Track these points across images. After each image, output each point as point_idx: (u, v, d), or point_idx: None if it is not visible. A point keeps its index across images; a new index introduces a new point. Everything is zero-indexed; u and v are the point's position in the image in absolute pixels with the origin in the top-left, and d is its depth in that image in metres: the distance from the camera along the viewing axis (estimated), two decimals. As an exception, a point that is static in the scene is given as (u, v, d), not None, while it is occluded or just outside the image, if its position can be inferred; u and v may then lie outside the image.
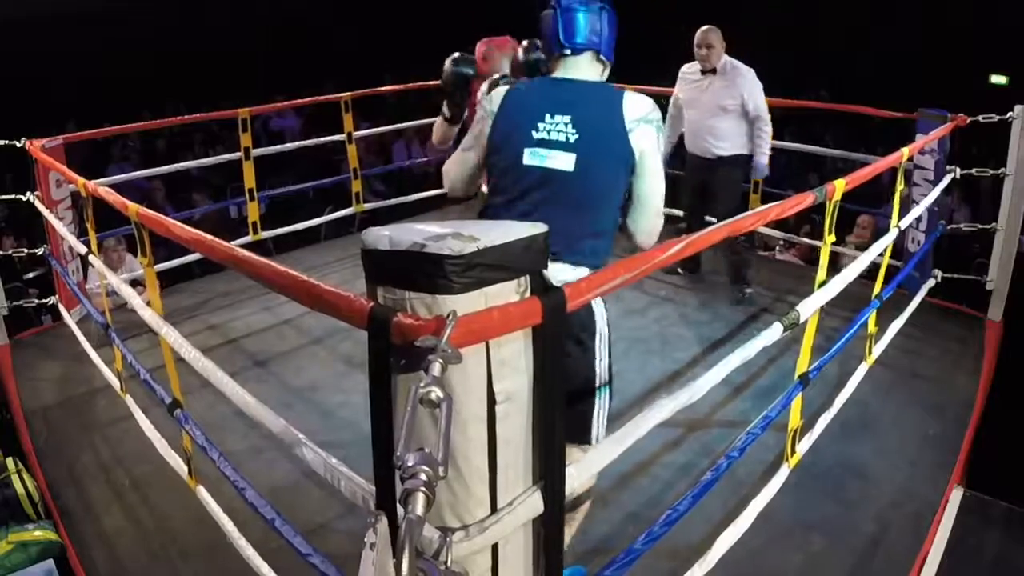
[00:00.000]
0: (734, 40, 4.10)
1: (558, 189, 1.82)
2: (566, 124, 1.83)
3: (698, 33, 4.10)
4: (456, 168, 2.04)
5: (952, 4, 8.32)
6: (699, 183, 4.30)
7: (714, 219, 3.83)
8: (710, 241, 1.80)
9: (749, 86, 4.02)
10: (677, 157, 4.46)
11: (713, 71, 4.09)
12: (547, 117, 1.84)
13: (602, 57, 1.95)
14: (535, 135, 1.84)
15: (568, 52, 1.92)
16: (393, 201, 5.80)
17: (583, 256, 1.86)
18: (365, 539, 0.79)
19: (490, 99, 1.96)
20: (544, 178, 1.83)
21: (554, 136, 1.83)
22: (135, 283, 4.12)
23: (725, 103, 4.07)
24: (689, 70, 4.24)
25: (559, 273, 1.77)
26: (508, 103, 1.92)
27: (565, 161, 1.81)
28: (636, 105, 1.87)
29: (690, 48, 4.15)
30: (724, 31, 4.12)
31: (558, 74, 1.95)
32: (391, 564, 0.75)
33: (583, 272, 1.85)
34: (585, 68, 1.94)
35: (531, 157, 1.83)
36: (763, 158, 4.11)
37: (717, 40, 4.06)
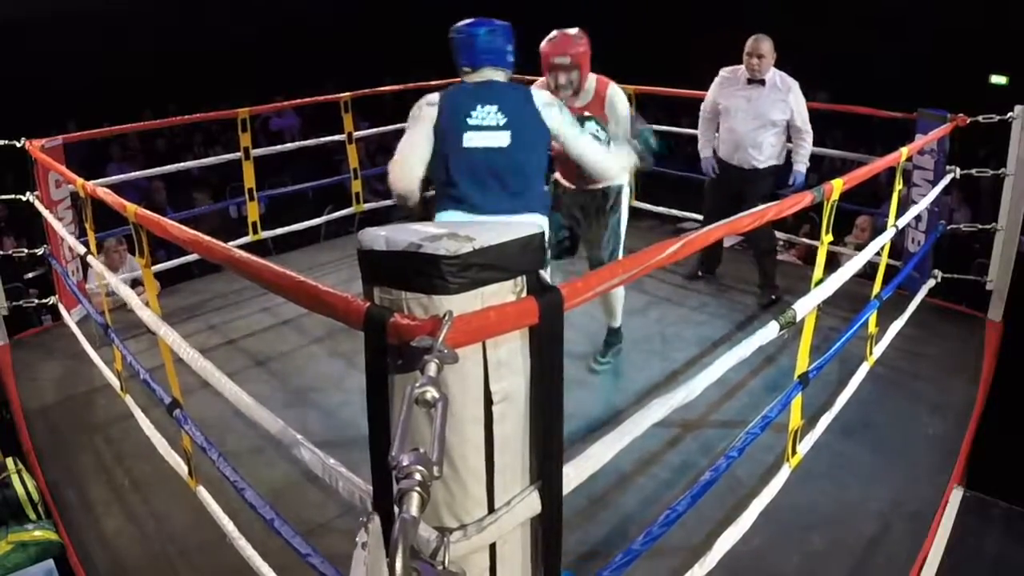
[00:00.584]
0: (736, 42, 4.06)
1: (497, 161, 2.33)
2: (495, 112, 2.33)
3: (750, 41, 3.93)
4: (405, 163, 2.42)
5: (952, 4, 8.31)
6: (734, 193, 4.01)
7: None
8: (707, 241, 1.80)
9: (798, 101, 3.91)
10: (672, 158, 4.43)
11: (762, 82, 3.92)
12: (478, 108, 2.33)
13: (499, 66, 2.45)
14: (469, 122, 2.33)
15: (468, 70, 2.44)
16: (392, 201, 5.79)
17: (534, 204, 2.42)
18: (357, 539, 0.79)
19: (427, 102, 2.42)
20: (485, 155, 2.33)
21: (487, 122, 2.33)
22: (135, 283, 4.12)
23: (775, 117, 3.93)
24: (730, 75, 4.05)
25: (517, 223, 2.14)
26: (443, 102, 2.39)
27: (501, 139, 2.32)
28: (541, 95, 2.46)
29: (697, 52, 4.10)
30: (726, 33, 4.07)
31: (475, 79, 2.44)
32: (384, 564, 0.75)
33: (536, 216, 2.42)
34: (491, 74, 2.44)
35: (469, 140, 2.33)
36: (802, 167, 4.00)
37: (768, 50, 3.90)
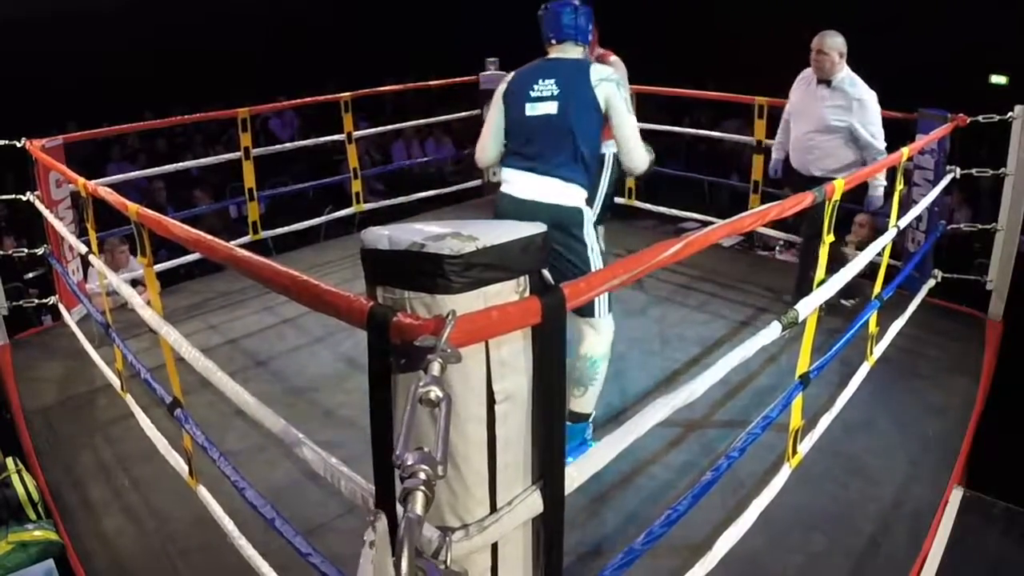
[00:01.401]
0: (736, 43, 4.04)
1: (548, 127, 2.58)
2: (552, 84, 2.60)
3: (815, 37, 3.66)
4: (485, 135, 2.78)
5: (953, 4, 8.32)
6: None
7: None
8: (709, 241, 1.80)
9: (861, 112, 3.56)
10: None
11: (828, 83, 3.64)
12: (540, 82, 2.62)
13: (579, 41, 2.70)
14: (531, 94, 2.62)
15: (554, 41, 2.71)
16: (393, 201, 5.80)
17: (573, 175, 2.58)
18: (364, 537, 0.79)
19: (504, 80, 2.76)
20: (540, 121, 2.60)
21: (544, 93, 2.61)
22: (135, 283, 4.11)
23: (832, 123, 3.63)
24: (805, 75, 3.81)
25: (550, 187, 2.57)
26: (514, 78, 2.72)
27: (551, 107, 2.58)
28: (599, 70, 2.62)
29: (704, 57, 4.04)
30: (730, 36, 4.00)
31: (550, 55, 2.72)
32: (390, 563, 0.75)
33: (573, 188, 2.59)
34: (569, 50, 2.70)
35: (530, 110, 2.61)
36: (876, 190, 3.63)
37: (831, 47, 3.58)
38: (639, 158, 2.69)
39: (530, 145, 2.61)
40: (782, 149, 4.04)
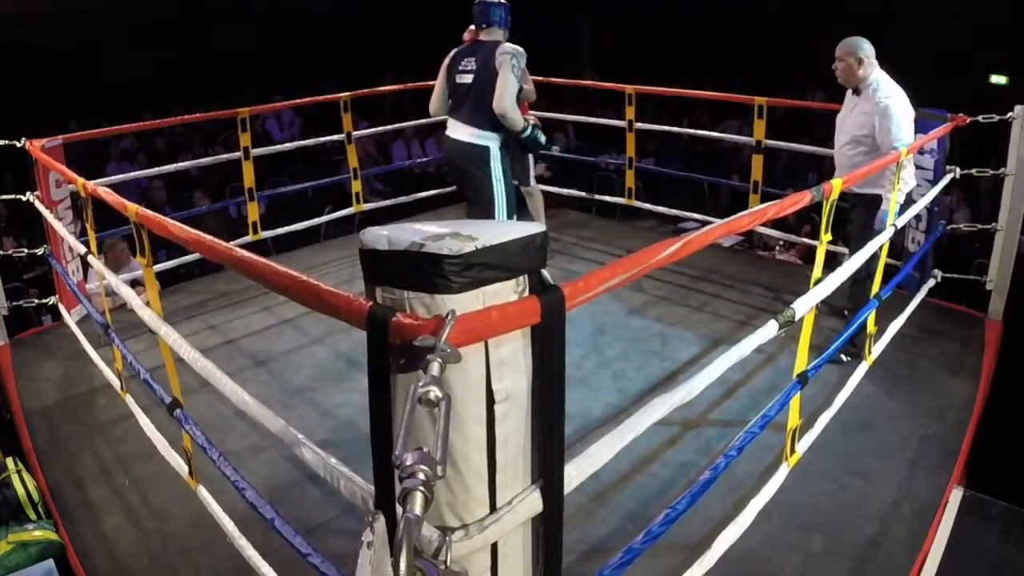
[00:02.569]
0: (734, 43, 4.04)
1: (468, 92, 3.71)
2: (472, 61, 3.71)
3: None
4: (435, 93, 3.92)
5: (953, 4, 8.32)
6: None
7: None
8: (707, 240, 1.80)
9: (881, 117, 3.28)
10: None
11: (856, 91, 3.42)
12: (465, 60, 3.74)
13: (500, 26, 3.76)
14: (460, 68, 3.75)
15: (484, 27, 3.76)
16: (393, 201, 5.80)
17: (481, 124, 3.67)
18: (363, 538, 0.79)
19: (448, 56, 3.87)
20: (462, 87, 3.74)
21: (467, 68, 3.71)
22: (135, 283, 4.12)
23: (857, 132, 3.41)
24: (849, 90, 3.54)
25: (467, 131, 3.72)
26: (454, 54, 3.83)
27: (469, 78, 3.70)
28: (504, 47, 3.63)
29: (704, 57, 4.00)
30: (730, 36, 3.95)
31: (479, 38, 3.77)
32: (389, 563, 0.75)
33: (481, 133, 3.69)
34: (493, 33, 3.75)
35: (459, 79, 3.75)
36: (887, 205, 3.24)
37: (846, 52, 3.36)
38: (505, 106, 3.55)
39: (457, 102, 3.76)
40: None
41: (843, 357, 3.39)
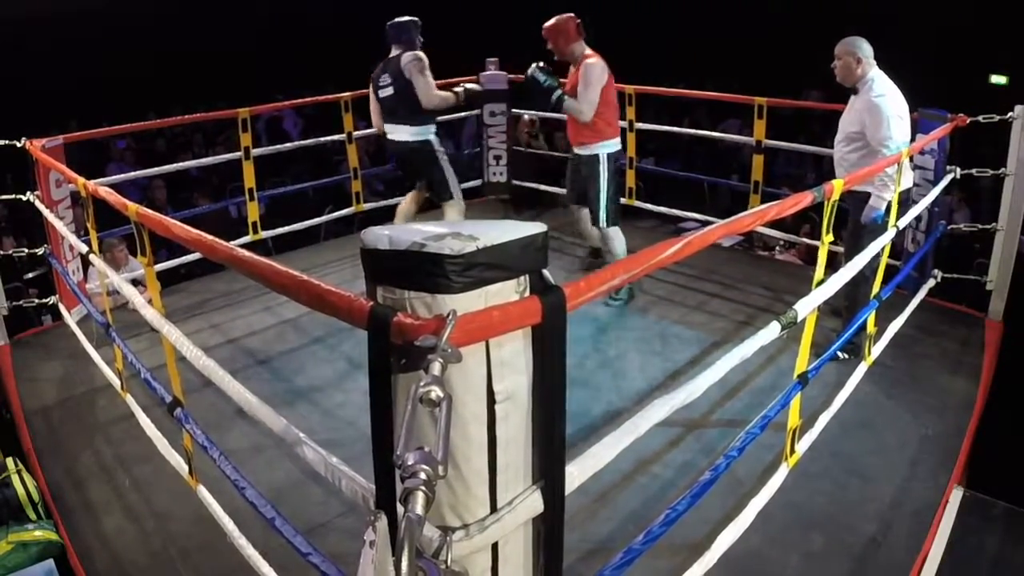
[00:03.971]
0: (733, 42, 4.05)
1: (391, 101, 4.31)
2: (387, 77, 4.27)
3: None
4: (372, 112, 4.53)
5: (952, 4, 8.32)
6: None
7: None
8: (708, 240, 1.80)
9: (871, 114, 3.29)
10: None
11: (855, 90, 3.42)
12: (383, 76, 4.31)
13: (405, 44, 4.26)
14: (380, 84, 4.33)
15: (392, 45, 4.29)
16: (393, 201, 5.78)
17: (412, 123, 4.31)
18: (364, 537, 0.79)
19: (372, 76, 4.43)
20: (387, 99, 4.32)
21: (385, 83, 4.29)
22: (134, 282, 4.11)
23: (850, 130, 3.43)
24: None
25: (403, 132, 4.35)
26: (375, 73, 4.36)
27: (390, 91, 4.28)
28: (405, 57, 4.19)
29: (704, 57, 4.05)
30: (730, 36, 3.97)
31: (391, 55, 4.31)
32: (390, 563, 0.75)
33: (414, 129, 4.32)
34: (397, 49, 4.28)
35: (382, 93, 4.33)
36: (878, 203, 3.28)
37: (844, 51, 3.37)
38: (432, 102, 4.20)
39: (389, 112, 4.34)
40: None
41: (841, 355, 3.38)
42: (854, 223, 3.47)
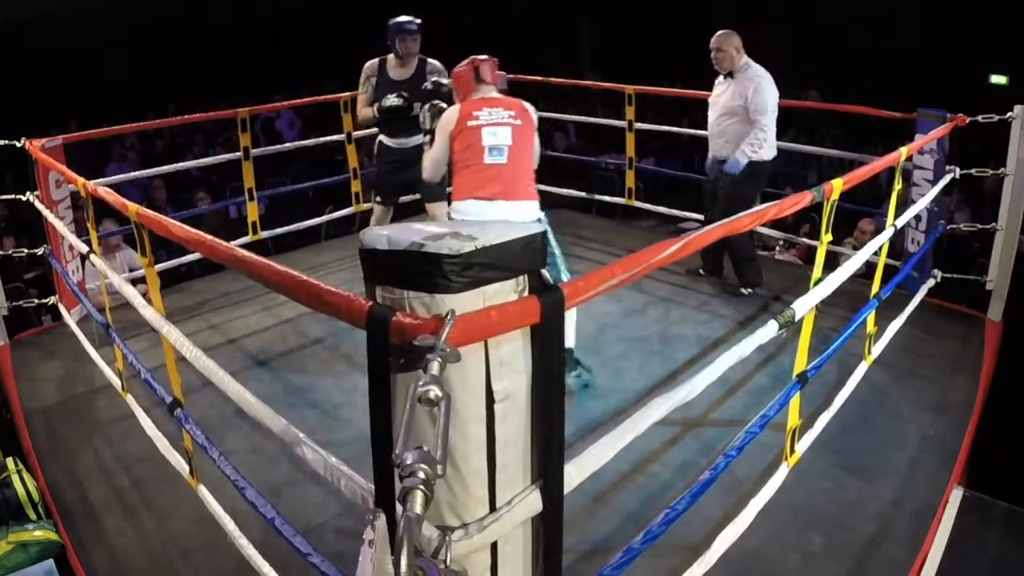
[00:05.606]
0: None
1: None
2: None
3: (712, 38, 4.16)
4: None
5: (952, 4, 8.32)
6: (710, 188, 4.35)
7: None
8: (707, 240, 1.80)
9: (753, 88, 4.00)
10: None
11: (730, 75, 4.13)
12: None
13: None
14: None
15: None
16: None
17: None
18: (363, 536, 0.79)
19: None
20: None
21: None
22: (134, 283, 4.12)
23: (731, 104, 4.11)
24: (720, 76, 4.28)
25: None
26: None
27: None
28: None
29: (704, 57, 4.16)
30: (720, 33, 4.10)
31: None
32: (389, 562, 0.75)
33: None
34: None
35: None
36: (739, 155, 4.06)
37: (727, 44, 4.08)
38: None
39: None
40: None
41: (744, 291, 4.27)
42: (735, 187, 4.12)
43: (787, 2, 8.98)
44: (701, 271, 4.57)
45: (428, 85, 3.72)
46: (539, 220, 3.09)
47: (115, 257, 4.59)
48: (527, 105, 3.15)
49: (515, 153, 3.02)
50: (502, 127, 3.02)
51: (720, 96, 4.22)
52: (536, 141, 3.19)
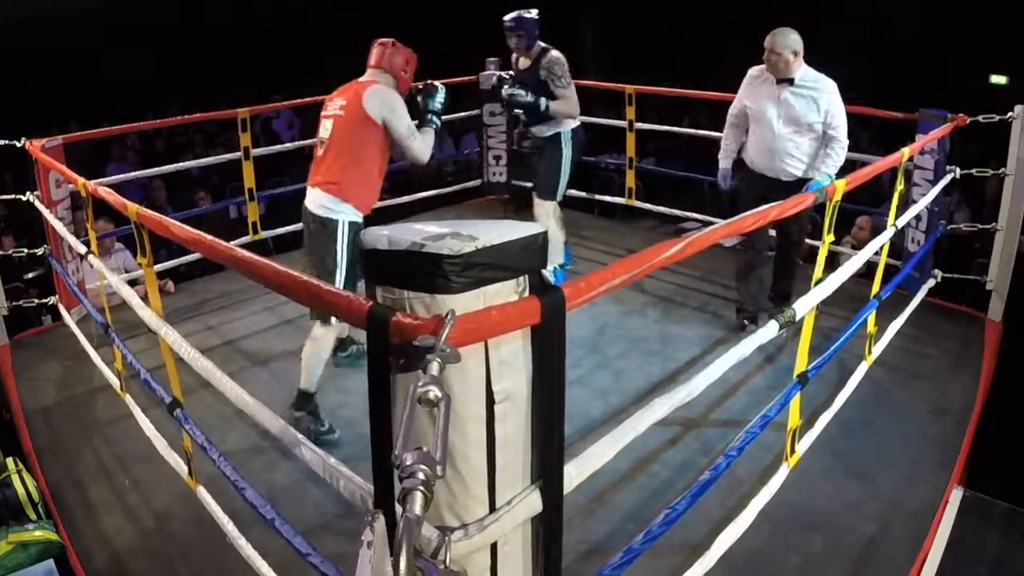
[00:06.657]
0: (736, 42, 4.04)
1: None
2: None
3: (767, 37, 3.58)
4: None
5: (952, 4, 8.32)
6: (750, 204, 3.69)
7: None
8: (709, 241, 1.80)
9: (828, 100, 3.47)
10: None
11: (790, 82, 3.50)
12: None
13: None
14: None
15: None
16: (393, 201, 5.80)
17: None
18: (362, 538, 0.79)
19: None
20: None
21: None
22: (133, 283, 4.12)
23: (808, 119, 3.52)
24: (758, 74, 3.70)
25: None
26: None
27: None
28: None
29: (704, 57, 4.08)
30: (724, 34, 4.02)
31: None
32: (389, 563, 0.75)
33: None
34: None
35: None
36: (821, 176, 3.47)
37: (782, 46, 3.48)
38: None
39: None
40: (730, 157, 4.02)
41: (745, 323, 3.86)
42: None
43: (788, 2, 8.99)
44: (746, 321, 3.91)
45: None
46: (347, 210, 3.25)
47: (110, 258, 4.59)
48: (372, 90, 3.12)
49: (331, 144, 3.15)
50: (328, 120, 3.21)
51: (777, 105, 3.53)
52: (376, 131, 3.15)
